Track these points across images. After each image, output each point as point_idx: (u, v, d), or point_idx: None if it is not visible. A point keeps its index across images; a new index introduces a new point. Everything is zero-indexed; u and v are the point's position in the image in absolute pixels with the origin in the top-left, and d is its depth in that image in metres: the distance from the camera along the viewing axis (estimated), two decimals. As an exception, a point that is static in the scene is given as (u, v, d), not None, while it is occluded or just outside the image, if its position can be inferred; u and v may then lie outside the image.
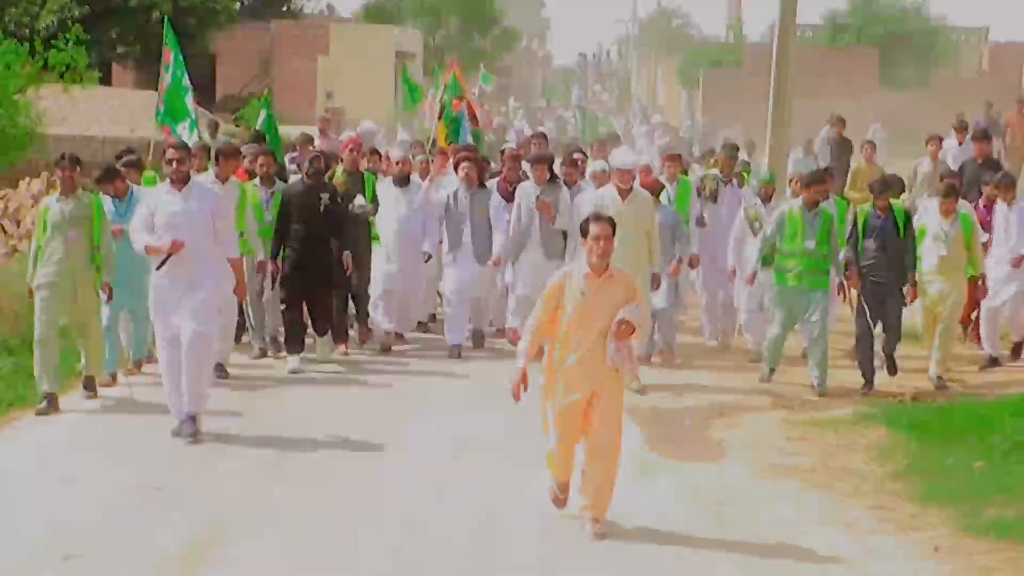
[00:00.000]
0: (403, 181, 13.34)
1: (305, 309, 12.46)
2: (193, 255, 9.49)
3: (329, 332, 12.61)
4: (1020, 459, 8.58)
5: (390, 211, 13.25)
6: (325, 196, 12.35)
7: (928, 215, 12.48)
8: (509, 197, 13.05)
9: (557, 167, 13.15)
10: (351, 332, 13.31)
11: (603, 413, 7.64)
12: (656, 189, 12.47)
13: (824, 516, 8.06)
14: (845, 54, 50.13)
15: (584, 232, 7.71)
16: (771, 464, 9.23)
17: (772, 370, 11.91)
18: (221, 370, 11.59)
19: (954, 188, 12.49)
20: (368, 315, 13.48)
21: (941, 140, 17.57)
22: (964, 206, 12.63)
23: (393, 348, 13.24)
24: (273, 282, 12.54)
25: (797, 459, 9.35)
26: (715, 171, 14.19)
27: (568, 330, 7.66)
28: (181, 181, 9.59)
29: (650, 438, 9.78)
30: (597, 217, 7.80)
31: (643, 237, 11.52)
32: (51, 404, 10.19)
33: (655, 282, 11.82)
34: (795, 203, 11.80)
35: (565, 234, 12.63)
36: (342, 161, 13.64)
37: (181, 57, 14.35)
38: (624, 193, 11.56)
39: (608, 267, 7.68)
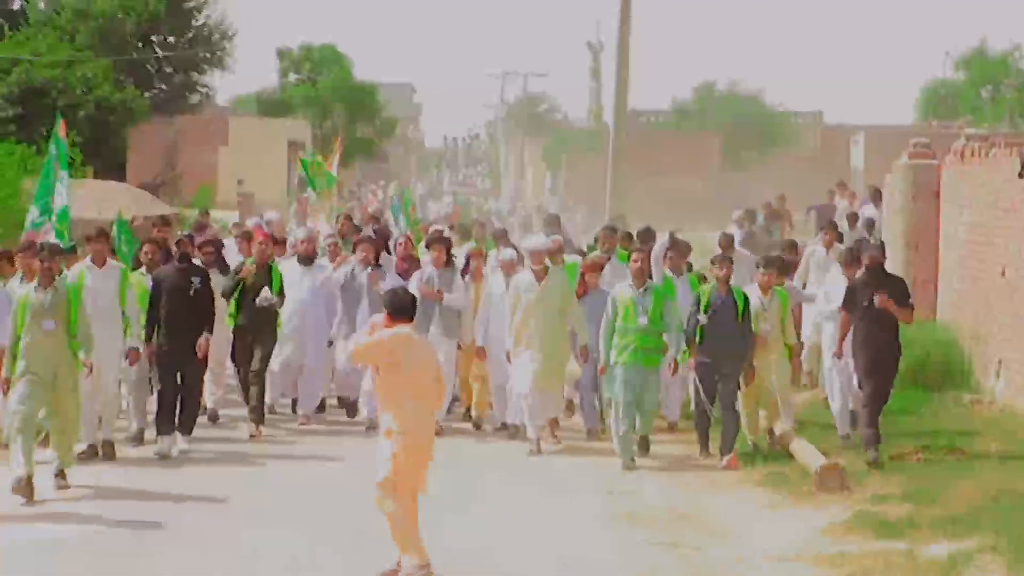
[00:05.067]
0: (307, 261, 13.84)
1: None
2: None
3: (187, 425, 12.56)
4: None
5: (293, 291, 13.46)
6: (196, 280, 12.56)
7: (751, 293, 12.48)
8: (404, 275, 13.56)
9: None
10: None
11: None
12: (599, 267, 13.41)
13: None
14: (691, 139, 55.18)
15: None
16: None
17: (633, 458, 12.06)
18: (109, 448, 12.11)
19: (771, 260, 12.78)
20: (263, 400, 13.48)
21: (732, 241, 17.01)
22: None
23: (301, 426, 13.71)
24: (151, 364, 12.64)
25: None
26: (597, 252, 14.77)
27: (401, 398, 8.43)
28: None
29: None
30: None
31: (560, 314, 12.28)
32: None
33: (583, 355, 12.54)
34: (624, 284, 12.32)
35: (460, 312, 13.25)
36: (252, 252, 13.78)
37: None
38: (539, 274, 12.43)
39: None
